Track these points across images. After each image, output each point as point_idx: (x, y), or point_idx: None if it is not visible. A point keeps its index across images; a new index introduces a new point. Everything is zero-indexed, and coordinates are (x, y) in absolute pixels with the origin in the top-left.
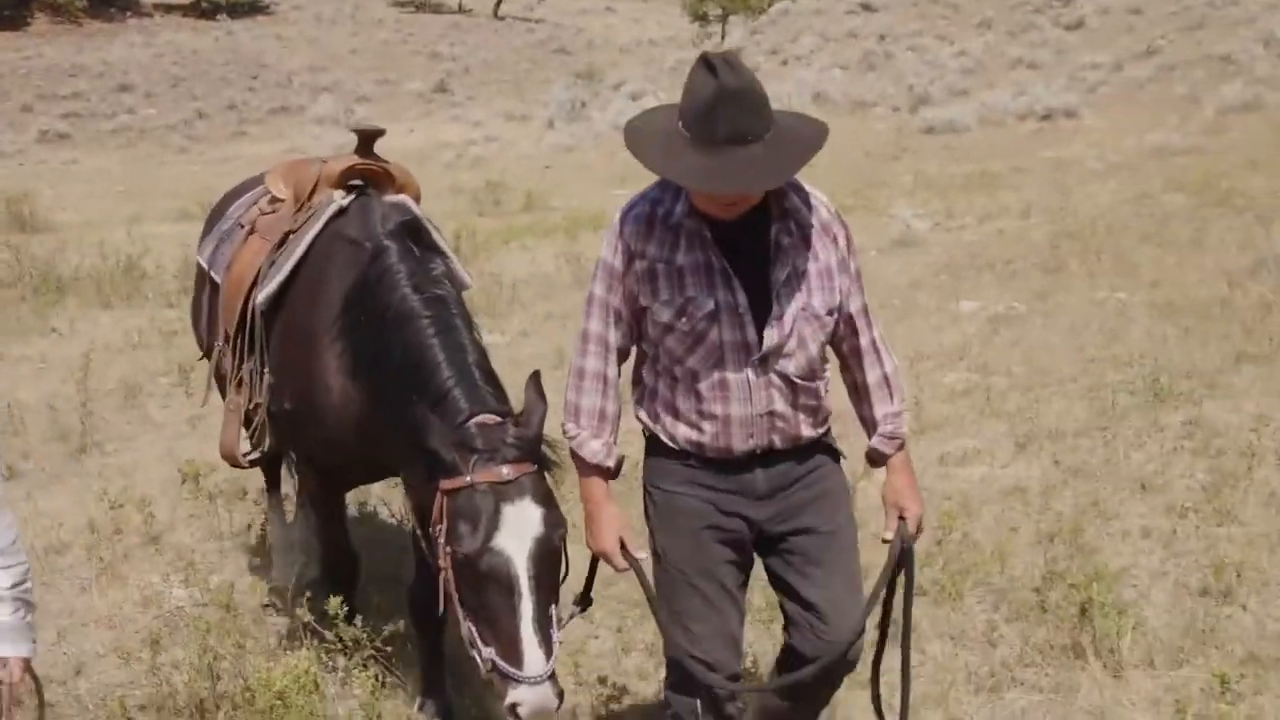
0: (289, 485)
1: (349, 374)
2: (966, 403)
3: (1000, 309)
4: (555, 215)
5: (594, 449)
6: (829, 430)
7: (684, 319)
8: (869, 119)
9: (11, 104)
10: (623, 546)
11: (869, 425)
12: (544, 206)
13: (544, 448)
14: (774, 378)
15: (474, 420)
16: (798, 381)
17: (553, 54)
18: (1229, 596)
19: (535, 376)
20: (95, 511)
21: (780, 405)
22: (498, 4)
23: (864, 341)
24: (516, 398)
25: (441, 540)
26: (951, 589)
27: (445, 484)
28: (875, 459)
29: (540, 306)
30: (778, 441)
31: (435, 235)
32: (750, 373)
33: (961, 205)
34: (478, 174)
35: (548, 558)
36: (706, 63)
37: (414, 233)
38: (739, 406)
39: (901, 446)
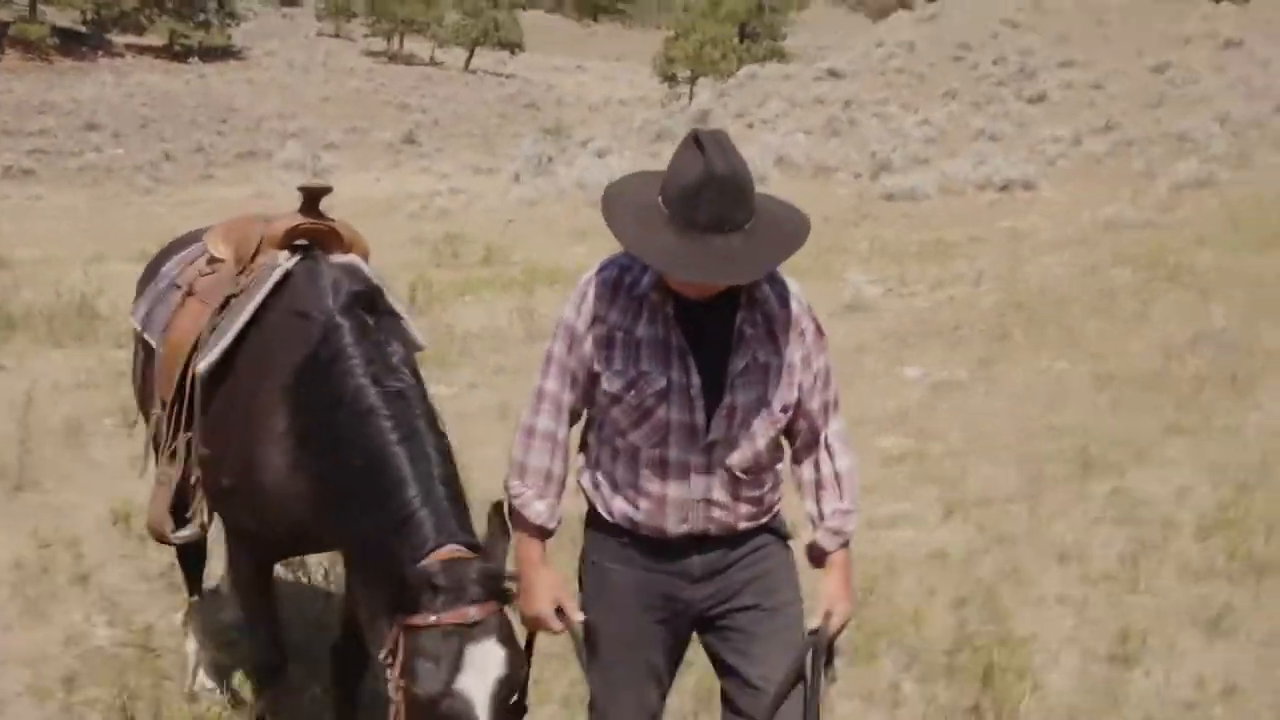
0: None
1: (293, 457)
2: (901, 468)
3: (944, 375)
4: (514, 269)
5: (537, 510)
6: (775, 517)
7: (633, 392)
8: (831, 184)
9: None
10: (559, 609)
11: (814, 521)
12: (503, 260)
13: (507, 582)
14: (717, 467)
15: (439, 553)
16: (740, 475)
17: (523, 109)
18: (1134, 662)
19: (498, 507)
20: (25, 550)
21: (719, 494)
22: (469, 57)
23: (820, 437)
24: (467, 454)
25: (395, 673)
26: (865, 649)
27: (406, 620)
28: (815, 556)
29: (491, 359)
30: (713, 530)
31: (389, 298)
32: (693, 457)
33: (915, 272)
34: (441, 225)
35: (510, 696)
36: (696, 141)
37: (368, 303)
38: (676, 488)
39: (845, 544)
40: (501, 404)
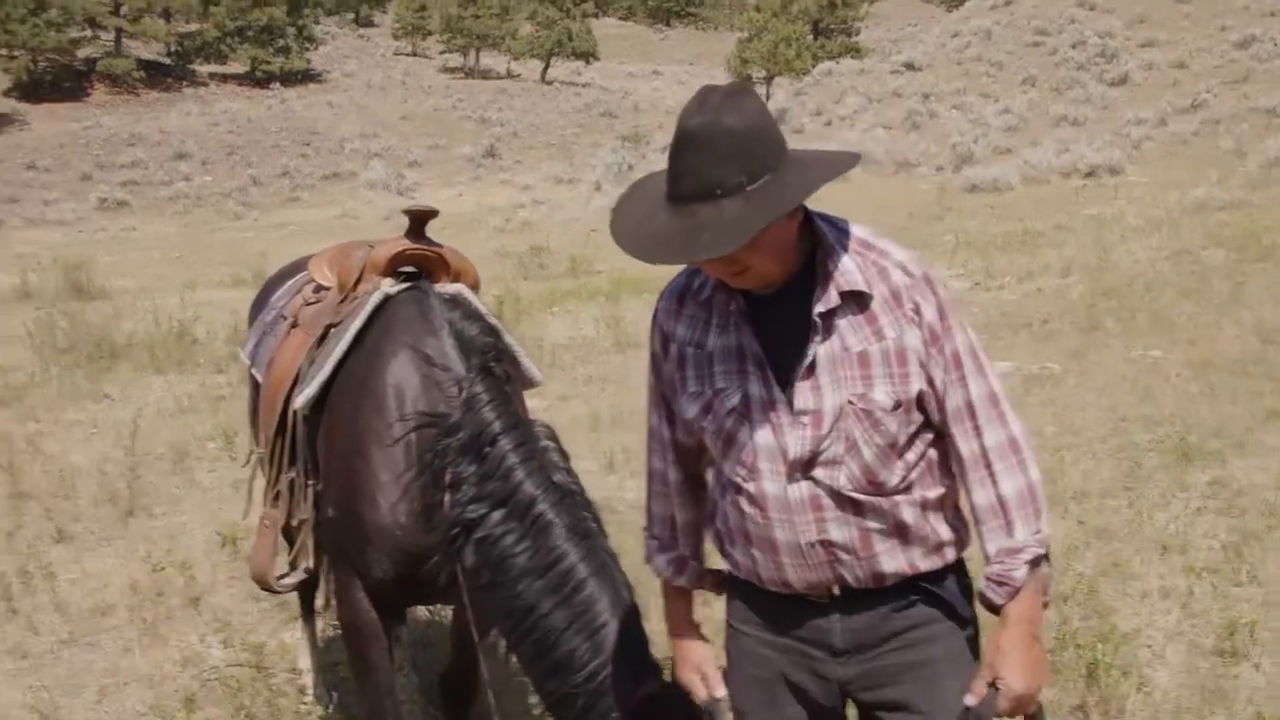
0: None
1: (418, 505)
2: None
3: (1035, 368)
4: (599, 279)
5: (660, 564)
6: (951, 562)
7: (710, 416)
8: (913, 179)
9: (71, 173)
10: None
11: (986, 561)
12: (588, 270)
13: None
14: (821, 494)
15: (640, 694)
16: (858, 498)
17: (600, 117)
18: (1242, 656)
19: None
20: (140, 574)
21: (837, 532)
22: (545, 69)
23: (971, 448)
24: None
25: None
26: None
27: None
28: (986, 606)
29: (580, 370)
30: (850, 578)
31: (505, 336)
32: (790, 487)
33: (1001, 264)
34: (525, 238)
35: None
36: (696, 96)
37: (495, 354)
38: (782, 531)
39: (1015, 594)
40: (593, 414)
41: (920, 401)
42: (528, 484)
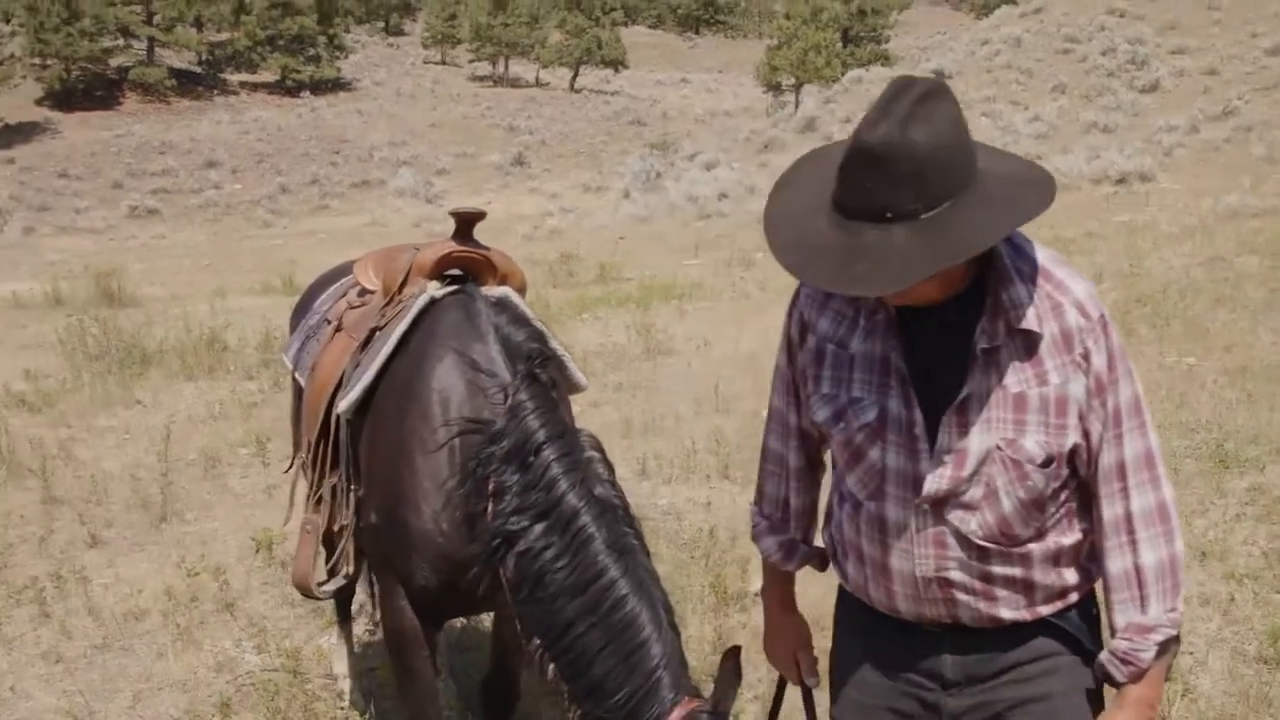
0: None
1: (460, 514)
2: None
3: None
4: (628, 286)
5: (767, 546)
6: (1075, 611)
7: (841, 425)
8: None
9: (103, 181)
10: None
11: (1112, 633)
12: (617, 277)
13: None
14: (947, 534)
15: (676, 712)
16: (986, 545)
17: (628, 125)
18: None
19: (734, 653)
20: (173, 579)
21: (958, 573)
22: (574, 77)
23: (1115, 511)
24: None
25: None
26: None
27: None
28: (1105, 680)
29: (611, 377)
30: (964, 618)
31: (551, 341)
32: (915, 518)
33: None
34: (554, 245)
35: None
36: (885, 94)
37: (541, 359)
38: (899, 559)
39: (1139, 677)
40: (625, 420)
41: (1072, 454)
42: (570, 496)
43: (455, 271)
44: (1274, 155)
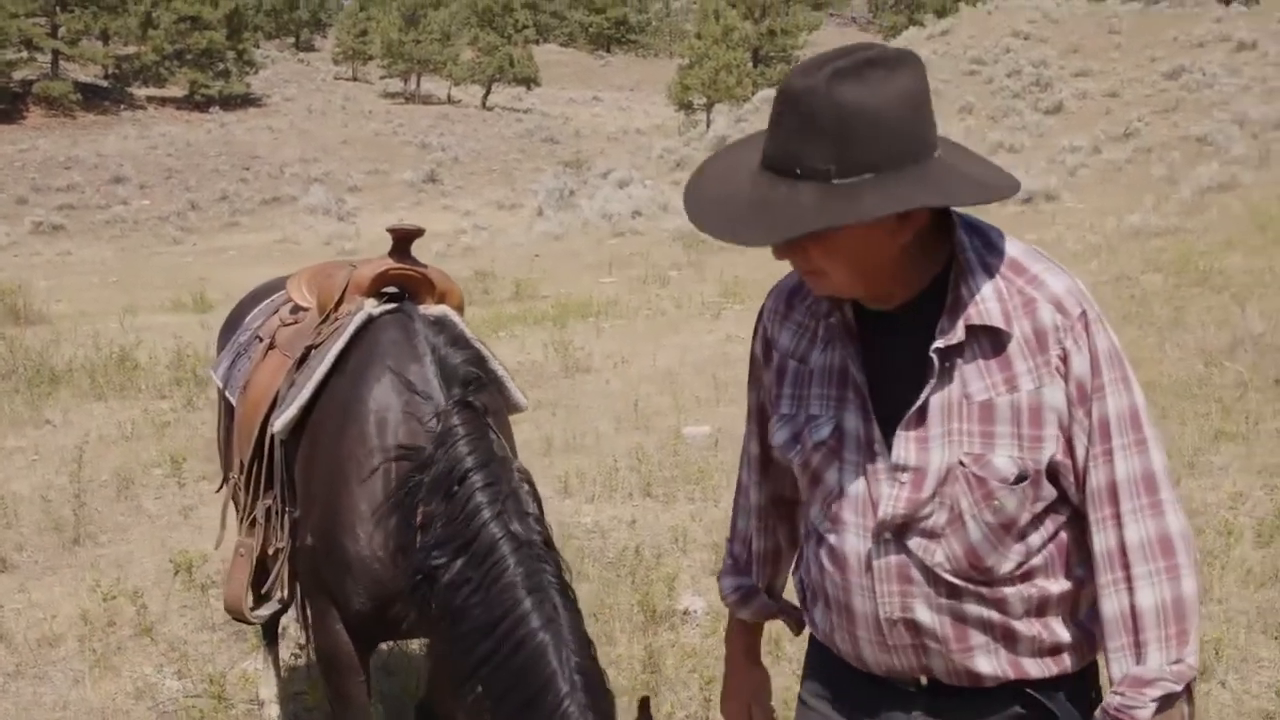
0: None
1: (392, 544)
2: None
3: None
4: (544, 304)
5: (724, 586)
6: (1070, 670)
7: (798, 446)
8: None
9: (6, 196)
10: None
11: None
12: (533, 295)
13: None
14: (911, 567)
15: None
16: (956, 581)
17: (541, 143)
18: (1209, 674)
19: (644, 705)
20: (88, 603)
21: (926, 614)
22: (486, 94)
23: (1107, 542)
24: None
25: None
26: None
27: None
28: None
29: (531, 395)
30: (937, 670)
31: (490, 362)
32: (875, 550)
33: None
34: (468, 262)
35: None
36: (844, 48)
37: (478, 383)
38: (861, 599)
39: None
40: (545, 439)
41: (1054, 474)
42: (489, 528)
43: (392, 289)
44: (1174, 175)
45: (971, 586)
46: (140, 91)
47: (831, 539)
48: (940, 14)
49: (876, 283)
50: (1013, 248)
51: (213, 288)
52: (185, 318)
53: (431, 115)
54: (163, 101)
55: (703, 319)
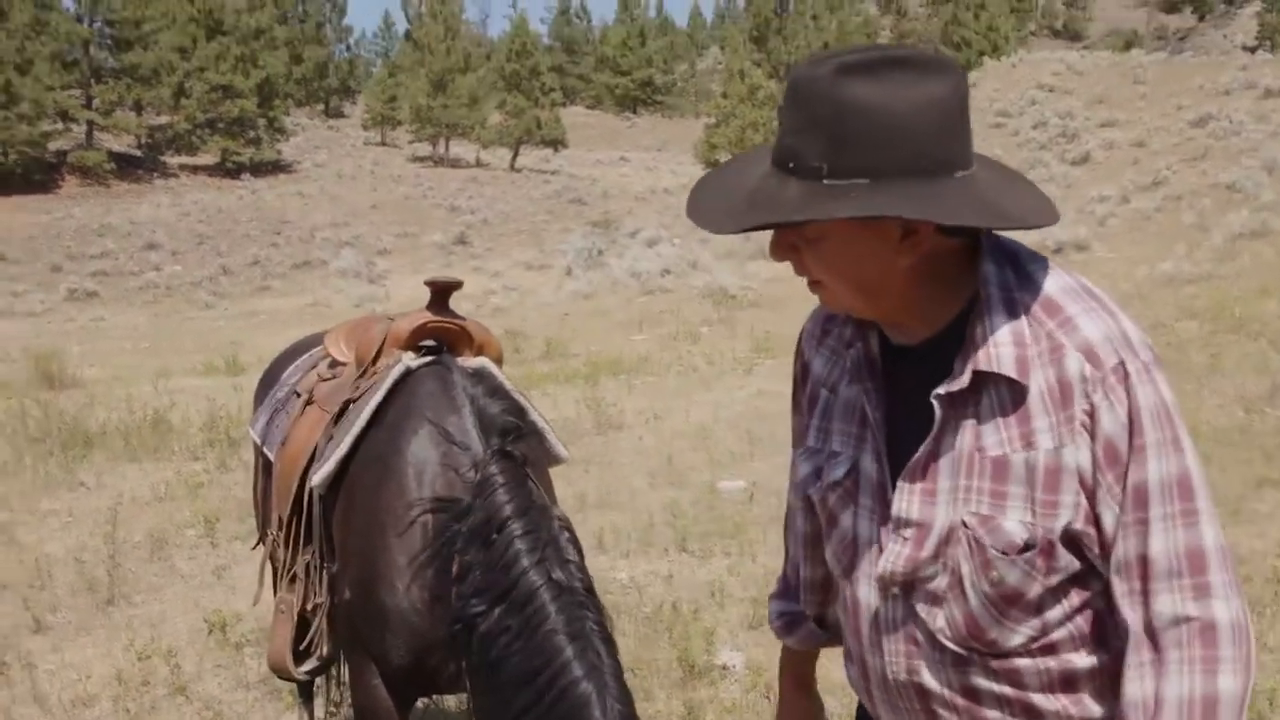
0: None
1: (429, 595)
2: None
3: None
4: (575, 362)
5: (771, 610)
6: None
7: (817, 484)
8: None
9: (42, 264)
10: None
11: None
12: (564, 354)
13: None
14: (916, 630)
15: None
16: (959, 652)
17: (569, 204)
18: None
19: None
20: (123, 663)
21: (931, 677)
22: (514, 157)
23: (1136, 618)
24: None
25: None
26: None
27: None
28: None
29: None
30: None
31: (531, 414)
32: (884, 605)
33: None
34: (498, 322)
35: None
36: (876, 44)
37: (516, 433)
38: (872, 655)
39: None
40: (579, 495)
41: (1075, 544)
42: (529, 576)
43: (430, 342)
44: (1204, 223)
45: (977, 657)
46: (173, 159)
47: (846, 587)
48: (963, 68)
49: (881, 303)
50: (1054, 283)
51: (245, 351)
52: (218, 381)
53: (460, 178)
54: (195, 169)
55: (734, 375)
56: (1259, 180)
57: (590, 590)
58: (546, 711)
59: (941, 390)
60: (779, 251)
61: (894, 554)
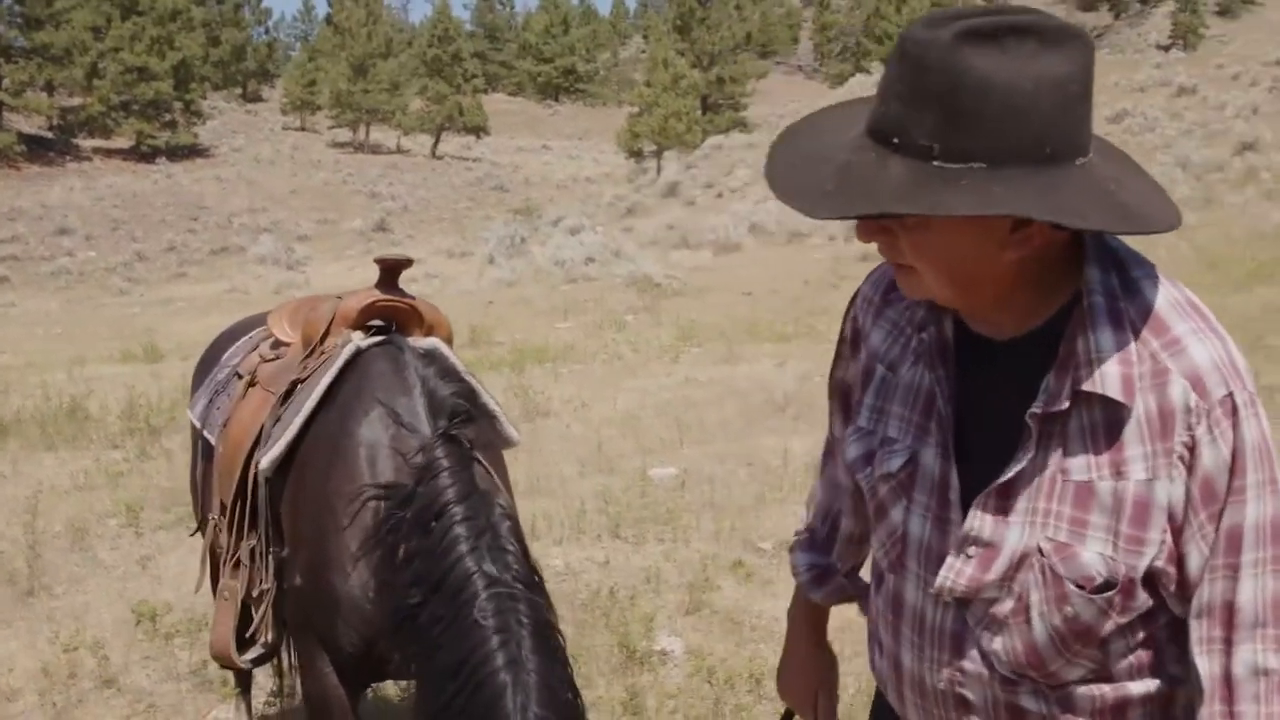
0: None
1: (375, 582)
2: None
3: None
4: (500, 349)
5: (798, 560)
6: None
7: (868, 470)
8: (805, 249)
9: None
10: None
11: None
12: (488, 341)
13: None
14: (968, 642)
15: None
16: (1013, 677)
17: (491, 191)
18: None
19: None
20: (48, 655)
21: (975, 691)
22: (435, 144)
23: (1212, 668)
24: None
25: None
26: None
27: None
28: None
29: None
30: None
31: (482, 395)
32: (933, 609)
33: None
34: None
35: None
36: (999, 8)
37: (465, 416)
38: (911, 656)
39: None
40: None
41: (1150, 581)
42: (464, 563)
43: (379, 322)
44: None
45: (1030, 684)
46: (86, 143)
47: (890, 580)
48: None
49: (975, 297)
50: (1162, 296)
51: (162, 338)
52: (135, 368)
53: (380, 164)
54: (109, 153)
55: (661, 362)
56: (1174, 176)
57: (527, 581)
58: (467, 702)
59: (1038, 410)
60: (868, 234)
61: (955, 570)
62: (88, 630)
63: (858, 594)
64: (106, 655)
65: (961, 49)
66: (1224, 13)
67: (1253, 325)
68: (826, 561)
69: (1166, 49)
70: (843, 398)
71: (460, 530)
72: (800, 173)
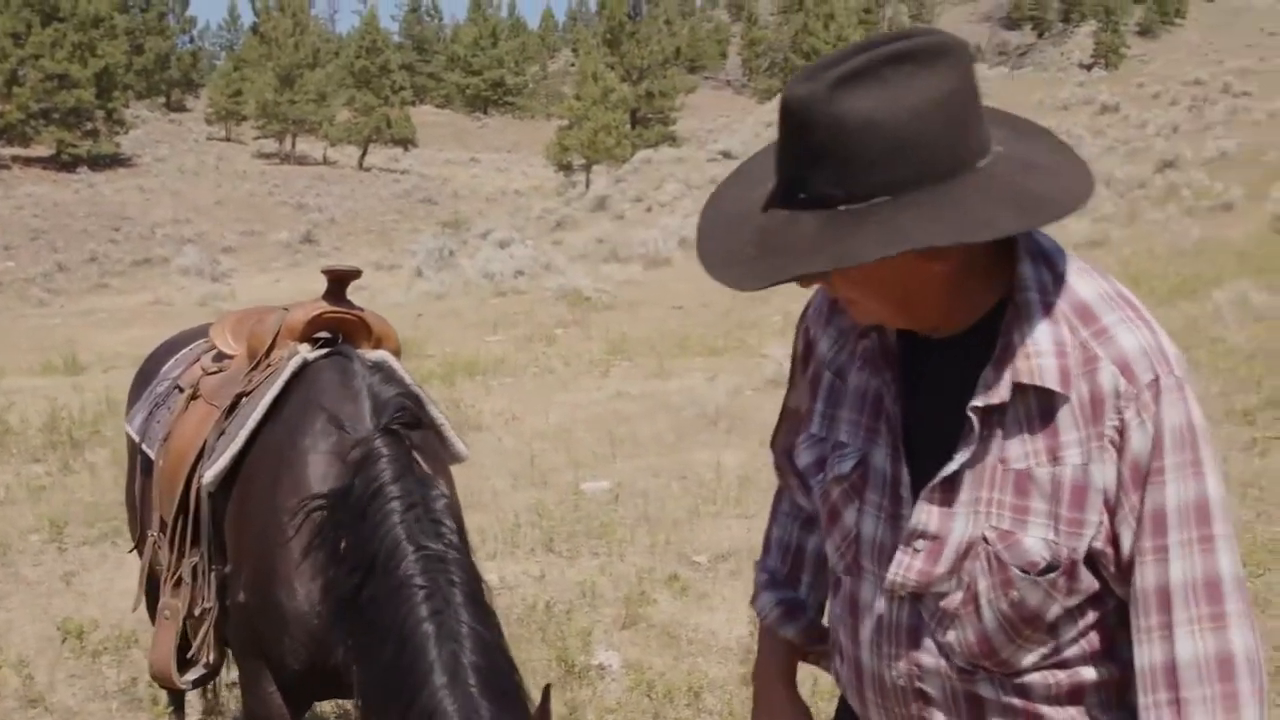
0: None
1: (313, 585)
2: None
3: None
4: (430, 362)
5: (762, 604)
6: None
7: (820, 475)
8: None
9: None
10: None
11: None
12: (418, 354)
13: None
14: (923, 635)
15: None
16: (968, 668)
17: (419, 204)
18: None
19: (546, 692)
20: None
21: (934, 686)
22: (363, 155)
23: (1148, 658)
24: None
25: None
26: None
27: None
28: None
29: None
30: None
31: (429, 406)
32: (889, 607)
33: None
34: None
35: None
36: (861, 41)
37: (411, 420)
38: (869, 656)
39: None
40: None
41: (1093, 564)
42: (395, 532)
43: (325, 334)
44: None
45: (984, 671)
46: (5, 151)
47: (847, 583)
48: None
49: (921, 313)
50: (1092, 289)
51: (83, 350)
52: (56, 380)
53: (307, 176)
54: (28, 161)
55: (591, 376)
56: (1098, 193)
57: (459, 550)
58: (391, 664)
59: (979, 403)
60: (806, 282)
61: (904, 565)
62: (11, 648)
63: (825, 632)
64: (31, 674)
65: (838, 96)
66: (1145, 33)
67: (1176, 339)
68: (793, 596)
69: (1089, 68)
70: (794, 417)
71: (393, 506)
72: (726, 235)
